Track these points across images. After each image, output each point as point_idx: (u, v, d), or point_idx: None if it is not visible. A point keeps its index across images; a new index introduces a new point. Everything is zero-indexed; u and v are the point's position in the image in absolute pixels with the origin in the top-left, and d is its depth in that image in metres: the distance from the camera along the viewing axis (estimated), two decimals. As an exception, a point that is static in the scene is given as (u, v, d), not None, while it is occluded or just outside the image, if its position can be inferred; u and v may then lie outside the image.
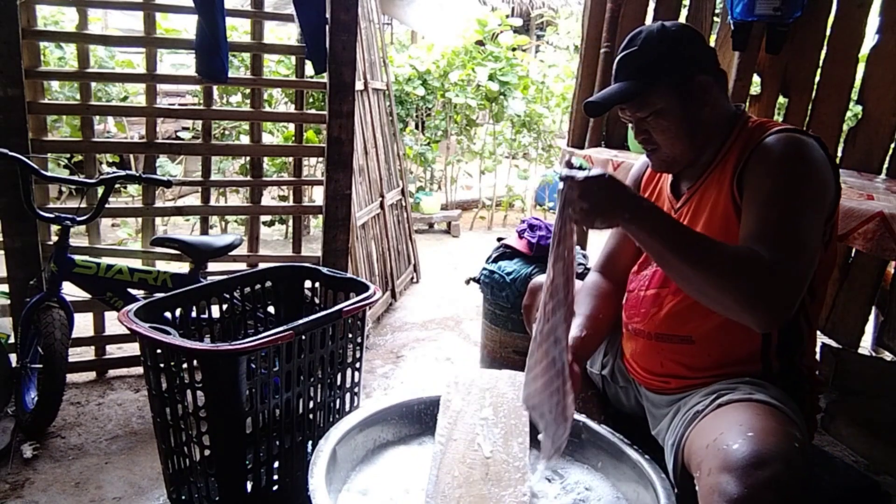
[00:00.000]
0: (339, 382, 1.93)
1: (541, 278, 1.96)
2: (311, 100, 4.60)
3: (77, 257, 2.33)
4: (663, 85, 1.34)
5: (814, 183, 1.24)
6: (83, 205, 2.73)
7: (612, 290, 1.65)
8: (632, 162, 2.54)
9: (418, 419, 1.75)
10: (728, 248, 1.18)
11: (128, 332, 1.60)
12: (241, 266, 2.89)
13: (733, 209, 1.31)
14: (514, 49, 6.14)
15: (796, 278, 1.16)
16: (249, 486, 1.67)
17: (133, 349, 2.80)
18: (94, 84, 2.92)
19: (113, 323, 2.38)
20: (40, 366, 2.20)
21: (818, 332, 3.14)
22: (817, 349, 2.89)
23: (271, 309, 2.24)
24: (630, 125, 1.44)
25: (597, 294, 1.64)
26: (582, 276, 1.76)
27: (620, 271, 1.64)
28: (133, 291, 2.39)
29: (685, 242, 1.17)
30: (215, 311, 2.07)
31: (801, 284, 1.17)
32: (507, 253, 2.64)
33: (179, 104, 5.17)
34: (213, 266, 2.62)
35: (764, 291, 1.13)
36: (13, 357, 2.43)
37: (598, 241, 1.92)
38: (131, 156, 5.36)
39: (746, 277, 1.13)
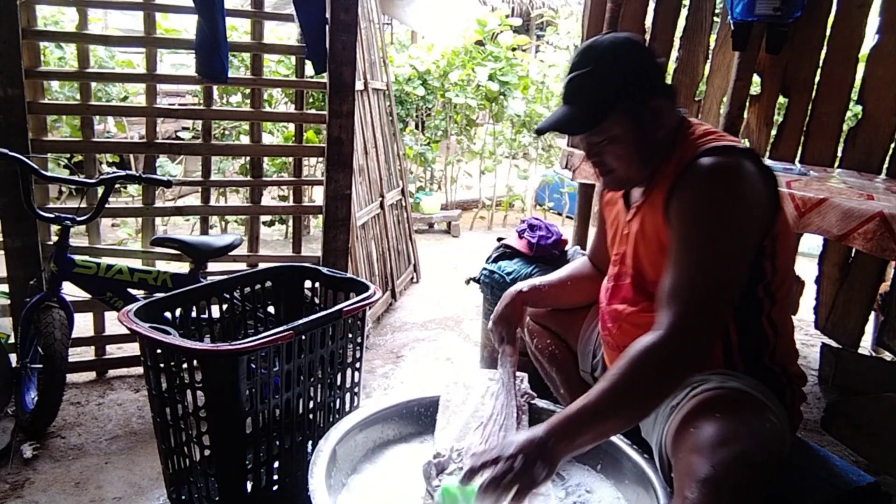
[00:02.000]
0: (339, 382, 1.93)
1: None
2: (311, 100, 4.60)
3: (77, 257, 2.33)
4: (618, 112, 1.34)
5: (736, 206, 1.24)
6: (83, 205, 2.72)
7: (593, 274, 1.74)
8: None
9: (418, 419, 1.75)
10: (630, 371, 1.18)
11: (128, 332, 1.60)
12: (241, 266, 2.89)
13: (667, 235, 1.33)
14: (513, 49, 6.14)
15: (704, 324, 1.20)
16: (249, 486, 1.66)
17: (133, 349, 2.80)
18: (94, 84, 2.92)
19: (113, 323, 2.37)
20: (40, 366, 2.20)
21: (819, 332, 3.16)
22: (818, 348, 2.91)
23: (271, 309, 2.23)
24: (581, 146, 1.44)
25: (576, 272, 1.79)
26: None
27: (603, 261, 1.70)
28: (133, 291, 2.39)
29: (606, 408, 1.18)
30: (215, 311, 2.07)
31: (712, 322, 1.21)
32: (507, 253, 2.64)
33: (179, 104, 5.17)
34: (213, 266, 2.62)
35: (676, 362, 1.18)
36: (13, 357, 2.43)
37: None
38: (131, 156, 5.36)
39: (658, 373, 1.18)
